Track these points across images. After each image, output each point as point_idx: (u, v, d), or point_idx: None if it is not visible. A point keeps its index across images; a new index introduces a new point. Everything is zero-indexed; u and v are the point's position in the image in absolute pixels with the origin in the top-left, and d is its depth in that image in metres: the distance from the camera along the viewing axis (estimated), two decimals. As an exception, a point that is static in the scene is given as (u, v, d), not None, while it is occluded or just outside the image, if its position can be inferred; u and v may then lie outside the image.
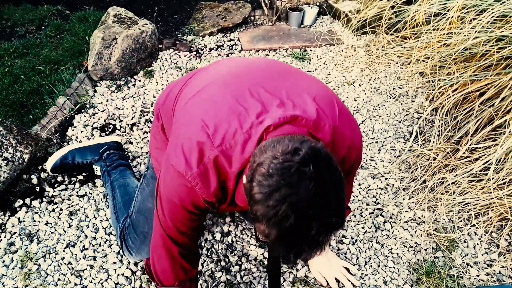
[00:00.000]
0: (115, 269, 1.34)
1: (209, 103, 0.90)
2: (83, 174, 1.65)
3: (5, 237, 1.41)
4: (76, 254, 1.38)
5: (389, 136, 1.96)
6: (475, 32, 1.67)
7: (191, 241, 1.03)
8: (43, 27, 2.65)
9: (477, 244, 1.50)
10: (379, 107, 2.13)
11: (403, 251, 1.46)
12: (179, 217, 0.95)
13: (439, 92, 1.95)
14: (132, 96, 2.10)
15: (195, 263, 1.09)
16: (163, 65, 2.36)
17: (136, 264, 1.36)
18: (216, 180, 0.85)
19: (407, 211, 1.60)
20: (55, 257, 1.37)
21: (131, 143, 1.83)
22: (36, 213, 1.50)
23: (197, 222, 0.99)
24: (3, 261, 1.34)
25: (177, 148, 0.87)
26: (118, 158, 1.60)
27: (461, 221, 1.57)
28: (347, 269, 1.39)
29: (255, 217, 0.69)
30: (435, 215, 1.58)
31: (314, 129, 0.85)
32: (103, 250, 1.40)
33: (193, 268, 1.08)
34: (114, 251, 1.40)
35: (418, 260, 1.44)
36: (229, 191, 0.89)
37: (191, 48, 2.54)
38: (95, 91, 2.12)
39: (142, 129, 1.90)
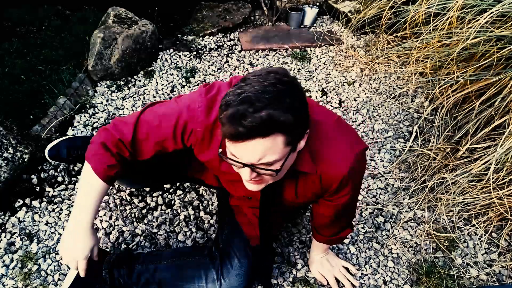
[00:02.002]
0: (115, 269, 1.34)
1: None
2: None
3: (5, 237, 1.41)
4: (76, 254, 1.38)
5: (389, 136, 1.96)
6: (475, 32, 1.67)
7: (138, 156, 1.08)
8: (43, 27, 2.65)
9: (477, 244, 1.50)
10: (379, 107, 2.13)
11: (403, 251, 1.47)
12: (161, 125, 1.02)
13: (439, 92, 1.95)
14: (132, 96, 2.10)
15: (123, 170, 1.10)
16: (163, 65, 2.36)
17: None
18: (213, 118, 0.97)
19: (407, 211, 1.60)
20: (55, 257, 1.37)
21: (131, 143, 1.83)
22: (36, 213, 1.50)
23: (159, 148, 1.05)
24: (3, 261, 1.34)
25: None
26: None
27: (461, 221, 1.57)
28: (347, 269, 1.39)
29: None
30: (435, 215, 1.58)
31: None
32: (103, 250, 1.40)
33: (119, 167, 1.08)
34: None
35: (418, 260, 1.44)
36: (213, 138, 1.00)
37: (191, 48, 2.54)
38: (95, 91, 2.12)
39: (142, 129, 1.90)
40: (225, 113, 0.75)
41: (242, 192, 1.17)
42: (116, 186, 1.60)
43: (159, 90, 2.15)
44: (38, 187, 1.59)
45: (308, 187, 1.04)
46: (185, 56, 2.45)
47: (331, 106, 2.14)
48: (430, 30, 1.96)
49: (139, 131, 1.04)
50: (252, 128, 0.74)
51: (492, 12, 1.61)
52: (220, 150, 0.89)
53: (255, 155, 0.79)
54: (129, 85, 2.18)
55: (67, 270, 1.33)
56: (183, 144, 1.04)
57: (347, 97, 2.20)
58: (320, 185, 1.01)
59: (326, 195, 1.06)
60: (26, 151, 1.58)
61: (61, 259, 1.36)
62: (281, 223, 1.41)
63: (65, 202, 1.54)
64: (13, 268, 1.33)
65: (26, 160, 1.57)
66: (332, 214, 1.13)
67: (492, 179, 1.49)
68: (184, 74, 2.29)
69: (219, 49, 2.55)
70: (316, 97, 2.20)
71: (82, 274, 1.09)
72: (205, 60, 2.43)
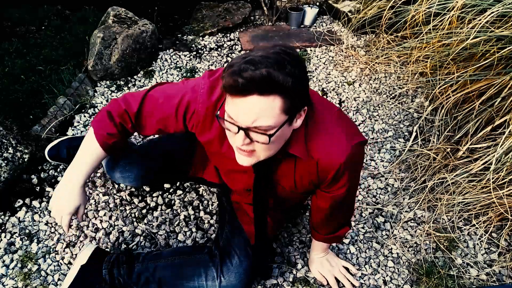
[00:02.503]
0: (115, 269, 1.34)
1: None
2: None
3: (5, 237, 1.41)
4: (76, 254, 1.38)
5: (389, 136, 1.96)
6: (475, 32, 1.67)
7: (141, 130, 1.14)
8: (43, 27, 2.65)
9: (477, 244, 1.50)
10: (379, 107, 2.13)
11: (403, 251, 1.47)
12: (165, 102, 1.06)
13: (439, 92, 1.95)
14: (132, 96, 2.10)
15: (123, 142, 1.19)
16: (163, 65, 2.36)
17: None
18: (215, 98, 1.01)
19: (407, 211, 1.60)
20: (55, 257, 1.37)
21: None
22: (36, 213, 1.50)
23: (161, 127, 1.10)
24: (3, 261, 1.34)
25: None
26: None
27: (461, 221, 1.57)
28: (347, 269, 1.39)
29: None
30: (435, 215, 1.58)
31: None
32: (103, 250, 1.40)
33: (118, 138, 1.14)
34: (114, 251, 1.40)
35: (418, 260, 1.44)
36: (215, 118, 1.02)
37: (191, 48, 2.54)
38: (95, 91, 2.12)
39: (142, 129, 1.90)
40: (228, 70, 0.79)
41: (241, 185, 1.17)
42: (116, 186, 1.60)
43: (159, 90, 2.15)
44: (38, 187, 1.59)
45: (305, 175, 1.05)
46: (185, 56, 2.45)
47: (331, 106, 2.14)
48: (430, 30, 1.96)
49: (145, 105, 1.09)
50: (251, 81, 0.76)
51: (492, 12, 1.61)
52: (218, 112, 0.91)
53: (251, 115, 0.80)
54: (129, 85, 2.18)
55: (67, 270, 1.33)
56: (184, 124, 1.08)
57: (347, 97, 2.20)
58: (317, 173, 1.02)
59: (323, 185, 1.07)
60: (26, 151, 1.58)
61: (62, 259, 1.36)
62: (282, 221, 1.41)
63: (65, 202, 1.54)
64: (13, 268, 1.33)
65: (26, 160, 1.57)
66: (329, 207, 1.13)
67: (492, 179, 1.49)
68: (184, 74, 2.29)
69: (219, 49, 2.55)
70: (316, 97, 2.20)
71: (65, 229, 1.14)
72: (205, 60, 2.43)
